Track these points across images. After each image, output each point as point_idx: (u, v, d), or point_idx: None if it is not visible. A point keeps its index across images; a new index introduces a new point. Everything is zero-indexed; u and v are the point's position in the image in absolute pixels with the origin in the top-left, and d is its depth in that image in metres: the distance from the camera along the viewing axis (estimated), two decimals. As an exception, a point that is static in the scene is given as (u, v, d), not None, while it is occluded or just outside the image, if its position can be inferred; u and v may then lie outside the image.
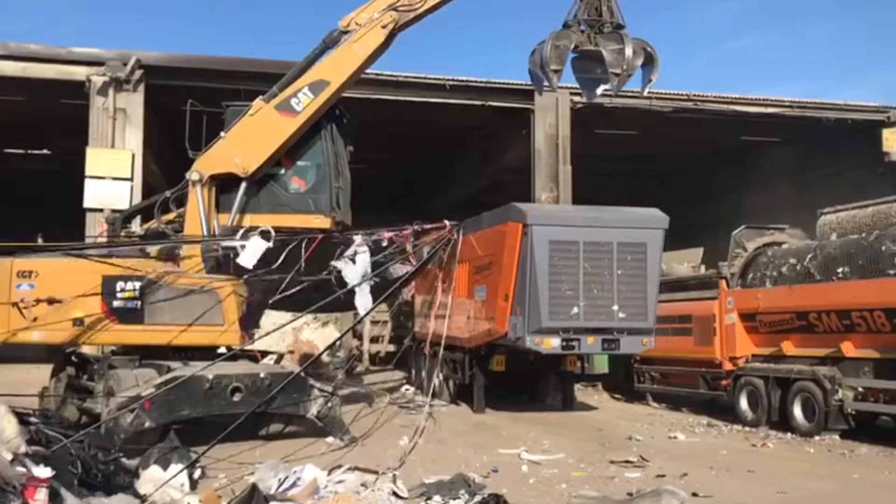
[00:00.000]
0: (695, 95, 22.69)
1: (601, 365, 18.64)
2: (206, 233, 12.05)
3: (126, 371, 10.56)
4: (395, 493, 7.69)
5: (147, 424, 9.74)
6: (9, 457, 6.48)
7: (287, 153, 12.61)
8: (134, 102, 19.08)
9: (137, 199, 17.77)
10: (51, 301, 10.44)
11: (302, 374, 11.35)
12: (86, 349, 12.41)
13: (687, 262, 19.07)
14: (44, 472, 6.41)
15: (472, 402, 15.15)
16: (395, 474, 8.30)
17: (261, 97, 12.57)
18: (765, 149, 26.74)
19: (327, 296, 12.45)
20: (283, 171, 12.64)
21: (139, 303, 10.94)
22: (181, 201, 12.72)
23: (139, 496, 7.55)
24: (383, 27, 12.36)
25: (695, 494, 8.29)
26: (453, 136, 26.21)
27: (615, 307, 13.63)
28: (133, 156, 18.83)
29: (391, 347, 22.37)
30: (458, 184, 30.21)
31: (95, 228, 17.07)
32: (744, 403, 14.27)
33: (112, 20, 68.07)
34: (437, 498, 7.63)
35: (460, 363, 15.53)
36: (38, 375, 13.57)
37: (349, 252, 12.71)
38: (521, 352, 14.34)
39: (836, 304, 12.67)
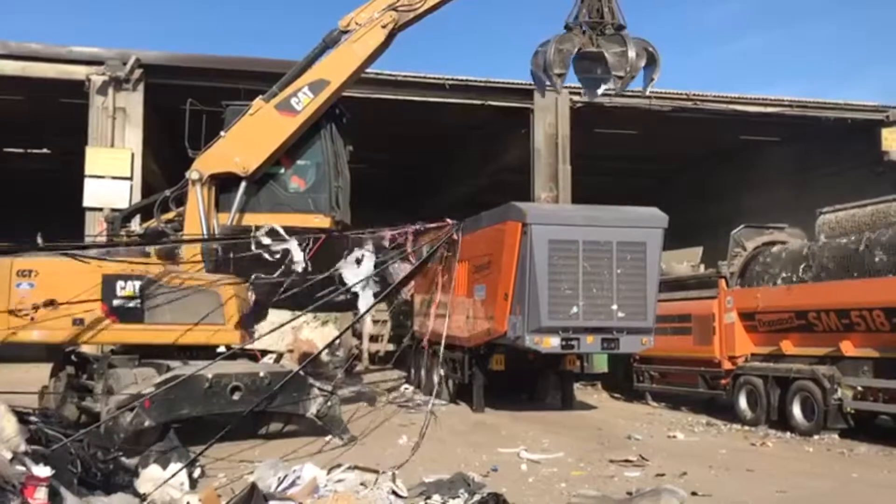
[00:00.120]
0: (694, 95, 22.70)
1: (600, 364, 18.65)
2: (205, 232, 12.06)
3: (125, 370, 10.58)
4: (394, 492, 7.68)
5: (147, 423, 9.75)
6: (8, 456, 6.47)
7: (287, 152, 12.63)
8: (133, 102, 19.09)
9: (137, 198, 17.79)
10: (48, 304, 10.42)
11: (301, 373, 11.35)
12: (85, 348, 12.42)
13: (686, 262, 19.05)
14: (43, 471, 6.40)
15: (471, 401, 15.15)
16: (394, 473, 8.30)
17: (261, 96, 12.59)
18: (764, 148, 26.75)
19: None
20: (282, 171, 12.66)
21: (139, 302, 10.95)
22: (181, 200, 12.74)
23: (139, 495, 7.55)
24: (383, 27, 12.38)
25: (694, 493, 8.28)
26: (453, 135, 26.21)
27: (614, 306, 13.63)
28: (132, 155, 18.86)
29: (390, 346, 22.37)
30: (457, 183, 30.22)
31: (95, 227, 17.10)
32: (743, 403, 14.27)
33: (112, 19, 68.17)
34: (436, 497, 7.63)
35: (460, 362, 15.53)
36: (38, 374, 13.59)
37: (355, 255, 12.75)
38: (520, 351, 14.34)
39: (836, 304, 12.67)
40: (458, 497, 7.60)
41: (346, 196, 12.95)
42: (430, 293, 16.77)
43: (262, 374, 10.86)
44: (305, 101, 12.35)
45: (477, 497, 7.53)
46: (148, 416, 9.75)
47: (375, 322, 22.52)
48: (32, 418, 8.27)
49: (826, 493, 8.95)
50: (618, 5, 12.14)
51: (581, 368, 16.63)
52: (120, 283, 10.89)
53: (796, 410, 13.08)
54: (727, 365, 14.89)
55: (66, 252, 10.82)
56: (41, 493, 6.27)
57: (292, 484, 7.82)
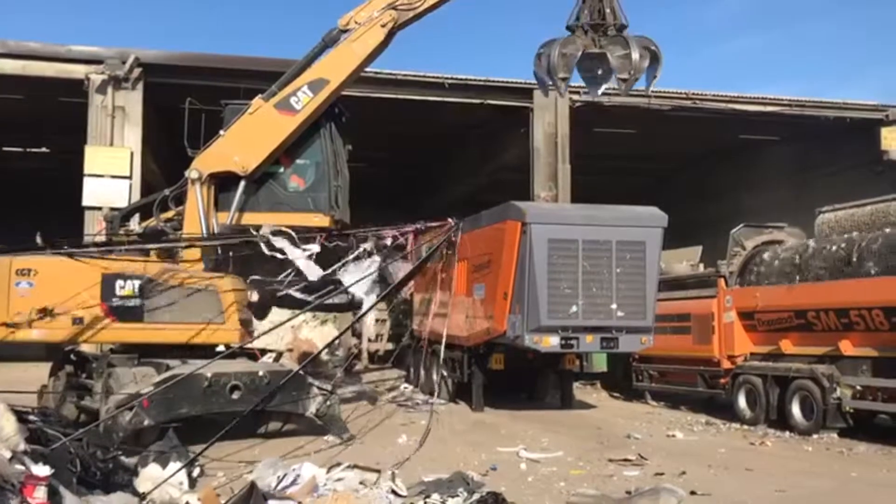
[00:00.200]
0: (694, 94, 22.69)
1: (600, 363, 18.66)
2: (205, 231, 12.06)
3: (125, 369, 10.58)
4: (393, 492, 7.69)
5: (146, 423, 9.75)
6: (7, 455, 6.47)
7: (286, 152, 12.62)
8: (133, 101, 19.09)
9: (136, 197, 17.78)
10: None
11: (301, 372, 11.36)
12: (84, 347, 12.42)
13: (686, 261, 19.03)
14: (42, 470, 6.40)
15: (470, 400, 15.14)
16: (393, 472, 8.30)
17: (260, 96, 12.57)
18: (763, 147, 26.76)
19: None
20: (282, 170, 12.65)
21: (139, 301, 10.95)
22: (180, 199, 12.73)
23: (138, 494, 7.54)
24: (383, 26, 12.37)
25: (693, 493, 8.28)
26: (452, 134, 26.21)
27: (614, 306, 13.63)
28: (132, 154, 18.85)
29: (390, 346, 22.37)
30: (456, 182, 30.22)
31: (94, 226, 17.08)
32: (742, 402, 14.27)
33: (111, 19, 68.13)
34: (435, 496, 7.63)
35: (459, 362, 15.52)
36: (37, 373, 13.57)
37: (359, 258, 12.77)
38: (519, 350, 14.33)
39: (835, 303, 12.67)
40: (458, 496, 7.60)
41: (346, 195, 12.95)
42: (430, 292, 16.77)
43: (261, 373, 10.86)
44: (305, 100, 12.34)
45: (476, 496, 7.54)
46: (147, 415, 9.75)
47: (376, 322, 22.53)
48: (32, 417, 8.26)
49: (825, 493, 8.95)
50: (619, 4, 12.11)
51: (580, 368, 16.64)
52: (119, 283, 10.90)
53: (795, 409, 13.09)
54: (726, 364, 14.90)
55: (62, 252, 10.82)
56: (40, 493, 6.27)
57: (292, 483, 7.83)
